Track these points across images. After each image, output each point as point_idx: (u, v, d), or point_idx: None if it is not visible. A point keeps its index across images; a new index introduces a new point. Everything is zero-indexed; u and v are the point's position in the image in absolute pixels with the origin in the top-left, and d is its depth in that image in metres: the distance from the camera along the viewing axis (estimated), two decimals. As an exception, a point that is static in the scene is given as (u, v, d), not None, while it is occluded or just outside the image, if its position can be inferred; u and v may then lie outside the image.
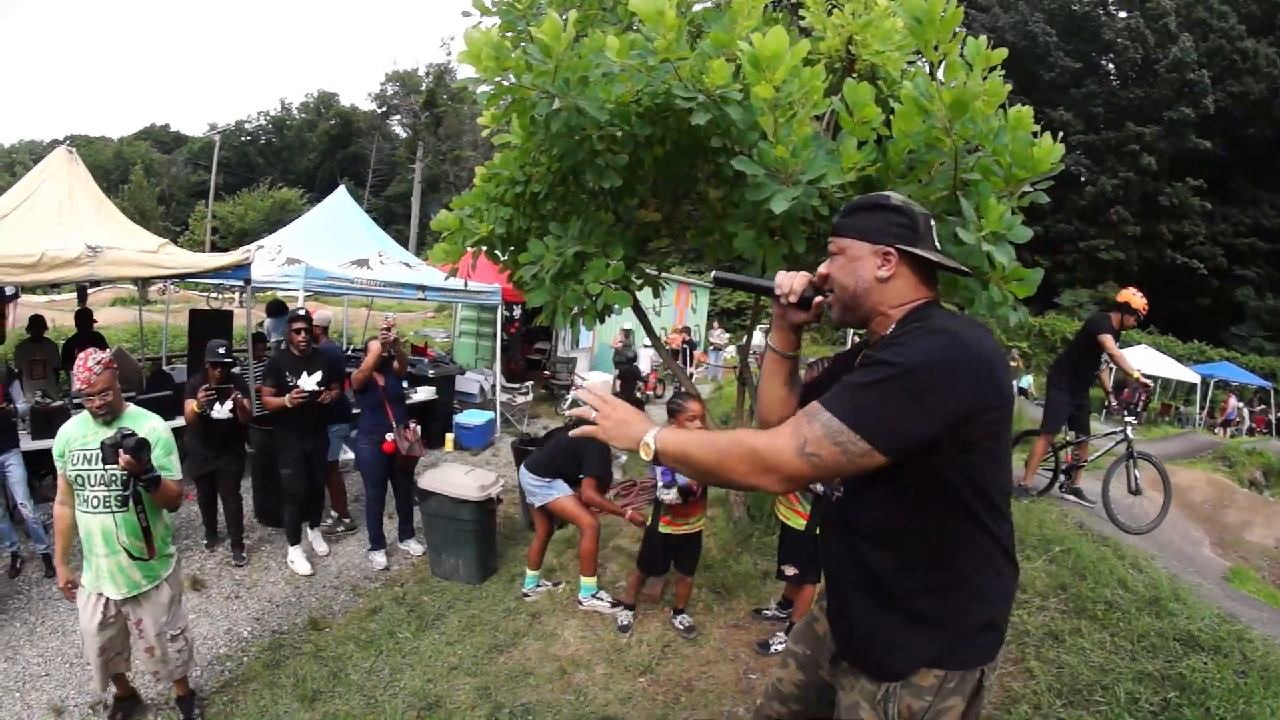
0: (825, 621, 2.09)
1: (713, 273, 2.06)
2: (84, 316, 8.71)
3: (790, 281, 1.93)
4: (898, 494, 1.70)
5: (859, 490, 1.81)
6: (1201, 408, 25.87)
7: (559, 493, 4.92)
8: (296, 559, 5.84)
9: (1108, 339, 6.52)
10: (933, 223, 1.85)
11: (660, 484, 4.38)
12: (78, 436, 3.38)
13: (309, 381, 5.71)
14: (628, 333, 14.21)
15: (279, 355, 6.00)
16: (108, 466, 3.25)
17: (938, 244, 1.84)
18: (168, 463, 3.45)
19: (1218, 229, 35.74)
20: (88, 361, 3.27)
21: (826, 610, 2.07)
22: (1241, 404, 25.36)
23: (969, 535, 1.71)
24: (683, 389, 5.13)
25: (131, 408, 3.54)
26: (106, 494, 3.33)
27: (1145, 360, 24.01)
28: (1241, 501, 11.79)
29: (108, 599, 3.44)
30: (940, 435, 1.56)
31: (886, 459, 1.54)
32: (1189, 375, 25.22)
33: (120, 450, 3.11)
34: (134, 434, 3.17)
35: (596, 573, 5.06)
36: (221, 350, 5.63)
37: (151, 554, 3.43)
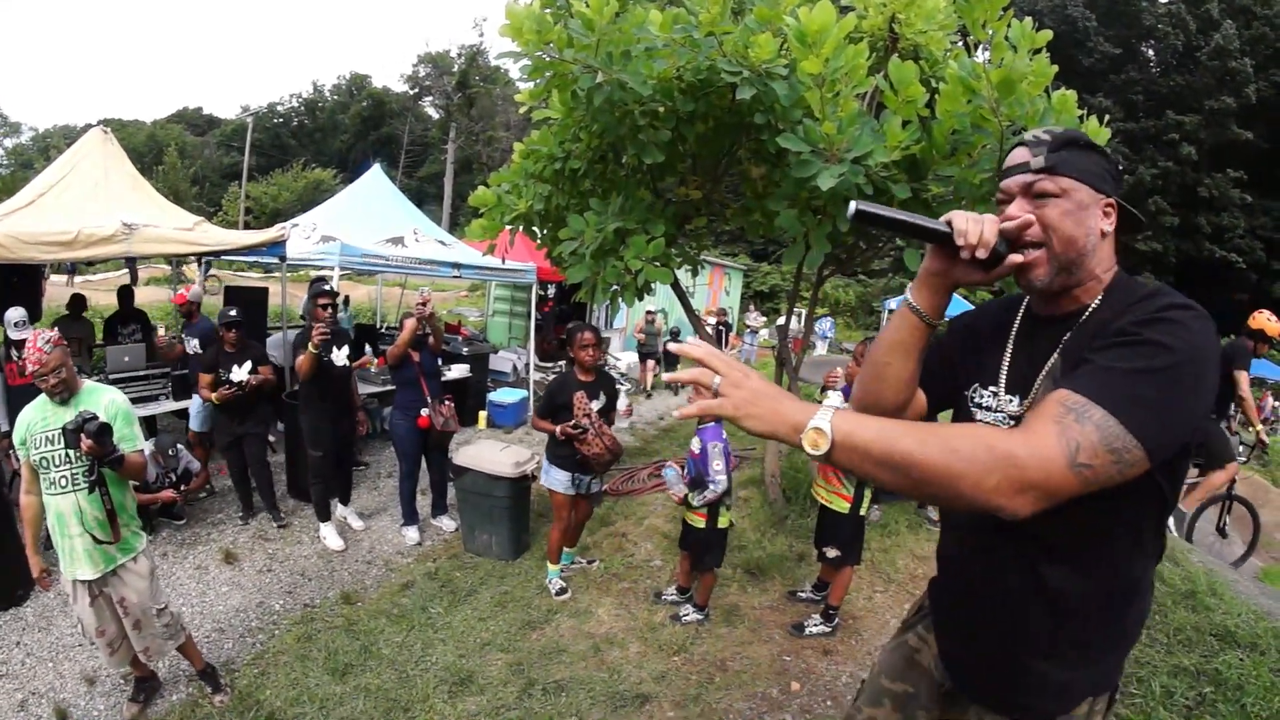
0: (930, 652, 1.89)
1: (852, 205, 1.40)
2: (125, 293, 8.82)
3: (978, 228, 1.40)
4: (1108, 508, 1.35)
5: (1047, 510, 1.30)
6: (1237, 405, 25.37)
7: (546, 479, 4.92)
8: (328, 534, 5.90)
9: (1243, 377, 5.83)
10: None
11: (677, 476, 4.37)
12: (38, 420, 3.31)
13: (240, 372, 5.82)
14: (652, 314, 14.10)
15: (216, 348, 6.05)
16: (70, 449, 3.20)
17: None
18: (130, 433, 3.38)
19: (1257, 222, 35.07)
20: (37, 341, 3.19)
21: (945, 641, 1.82)
22: (1278, 402, 24.85)
23: (1149, 551, 1.52)
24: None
25: (87, 383, 3.46)
26: (72, 471, 3.26)
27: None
28: (1276, 501, 11.56)
29: (89, 582, 3.38)
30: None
31: (1150, 468, 1.23)
32: (1225, 370, 24.74)
33: (83, 434, 3.07)
34: (95, 417, 3.12)
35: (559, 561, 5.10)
36: (234, 313, 5.86)
37: (116, 537, 3.35)
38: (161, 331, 6.27)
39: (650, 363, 14.06)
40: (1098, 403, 1.20)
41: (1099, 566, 1.48)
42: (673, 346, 1.35)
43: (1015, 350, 1.62)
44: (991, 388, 1.64)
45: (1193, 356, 1.23)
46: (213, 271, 18.19)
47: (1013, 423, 1.56)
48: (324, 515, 5.96)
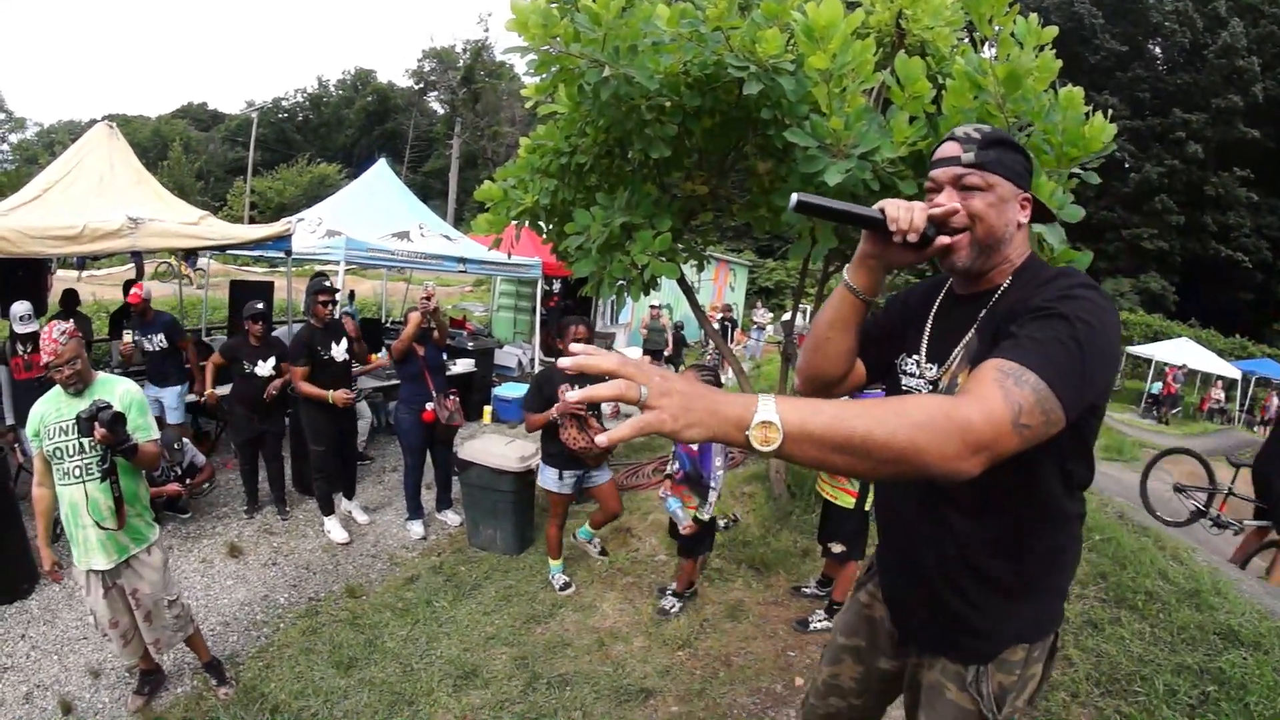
0: (881, 607, 2.01)
1: (794, 197, 1.48)
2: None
3: (908, 214, 1.53)
4: (1031, 463, 1.46)
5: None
6: (1242, 405, 25.36)
7: (542, 479, 4.92)
8: (333, 528, 5.92)
9: None
10: None
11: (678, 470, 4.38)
12: (51, 411, 3.32)
13: (265, 367, 5.87)
14: (657, 310, 14.05)
15: (239, 341, 6.09)
16: (84, 439, 3.20)
17: None
18: (144, 423, 3.39)
19: (1264, 221, 35.01)
20: (52, 333, 3.20)
21: (888, 595, 1.97)
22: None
23: (1065, 504, 1.64)
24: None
25: (100, 375, 3.47)
26: (85, 461, 3.27)
27: (1185, 354, 23.61)
28: (1281, 500, 11.55)
29: (102, 573, 3.39)
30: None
31: (1065, 427, 1.32)
32: (1230, 370, 24.74)
33: (96, 423, 3.08)
34: (109, 406, 3.13)
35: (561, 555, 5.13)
36: (260, 305, 5.91)
37: (120, 524, 3.34)
38: (127, 337, 6.24)
39: (648, 358, 13.83)
40: (1029, 368, 1.29)
41: (1014, 517, 1.63)
42: (563, 362, 1.15)
43: (935, 323, 1.80)
44: (915, 356, 1.82)
45: (1102, 329, 1.38)
46: (198, 265, 18.21)
47: (930, 388, 1.75)
48: (327, 509, 5.98)
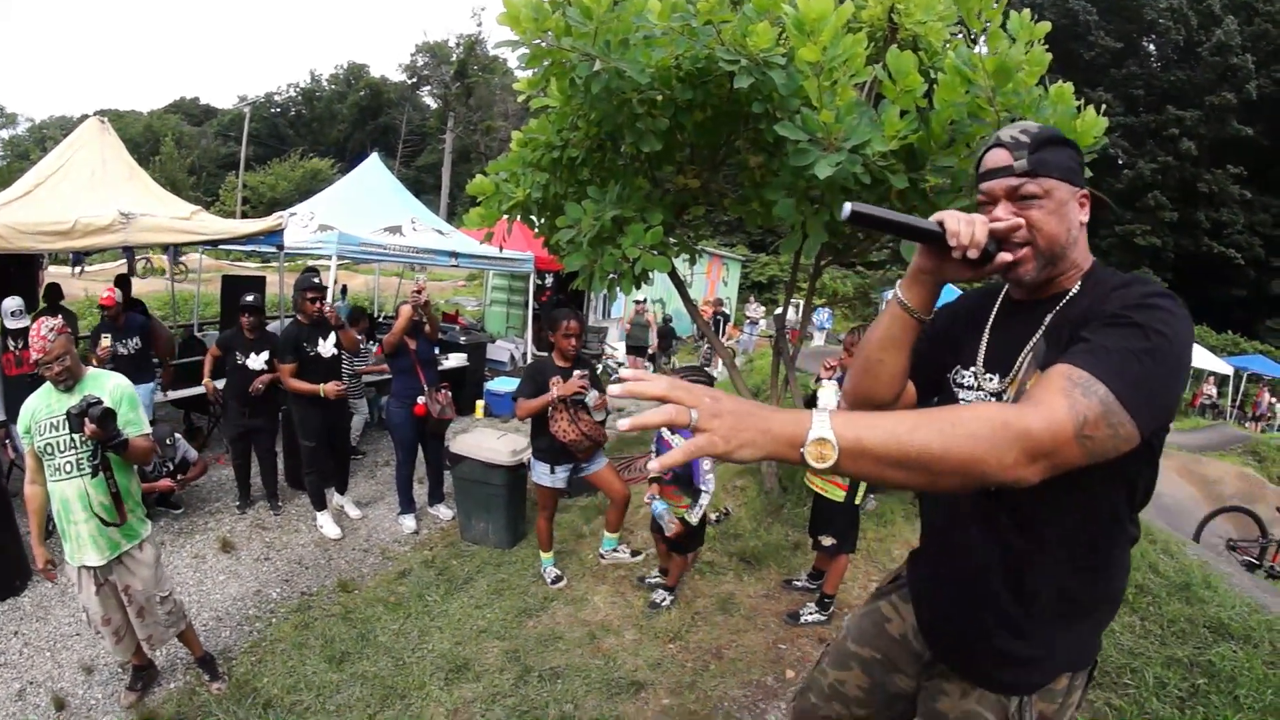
0: (903, 623, 1.94)
1: (847, 206, 1.40)
2: (122, 282, 8.81)
3: (970, 229, 1.43)
4: (1088, 484, 1.40)
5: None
6: (1234, 401, 25.48)
7: (534, 474, 4.92)
8: (325, 523, 5.92)
9: None
10: None
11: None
12: (42, 408, 3.31)
13: (256, 361, 5.86)
14: (641, 305, 13.72)
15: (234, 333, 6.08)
16: (75, 434, 3.20)
17: None
18: (135, 417, 3.39)
19: (1257, 218, 35.10)
20: (41, 329, 3.20)
21: (928, 615, 1.85)
22: (1275, 399, 24.94)
23: (1125, 526, 1.56)
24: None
25: (90, 370, 3.46)
26: (77, 457, 3.26)
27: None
28: (1271, 497, 11.67)
29: (94, 569, 3.38)
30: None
31: (1139, 443, 1.27)
32: (1222, 366, 24.85)
33: (87, 419, 3.07)
34: (99, 401, 3.13)
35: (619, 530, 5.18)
36: (251, 298, 5.90)
37: (122, 519, 3.35)
38: (105, 342, 6.20)
39: (632, 357, 13.66)
40: (1099, 378, 1.24)
41: (1071, 542, 1.53)
42: (615, 389, 1.20)
43: (993, 332, 1.68)
44: (971, 368, 1.69)
45: (1177, 341, 1.30)
46: (181, 259, 18.22)
47: (993, 399, 1.62)
48: (320, 504, 5.97)
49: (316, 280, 5.81)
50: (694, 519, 4.27)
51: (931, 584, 1.84)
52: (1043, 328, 1.56)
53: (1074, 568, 1.55)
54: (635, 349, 13.64)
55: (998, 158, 1.52)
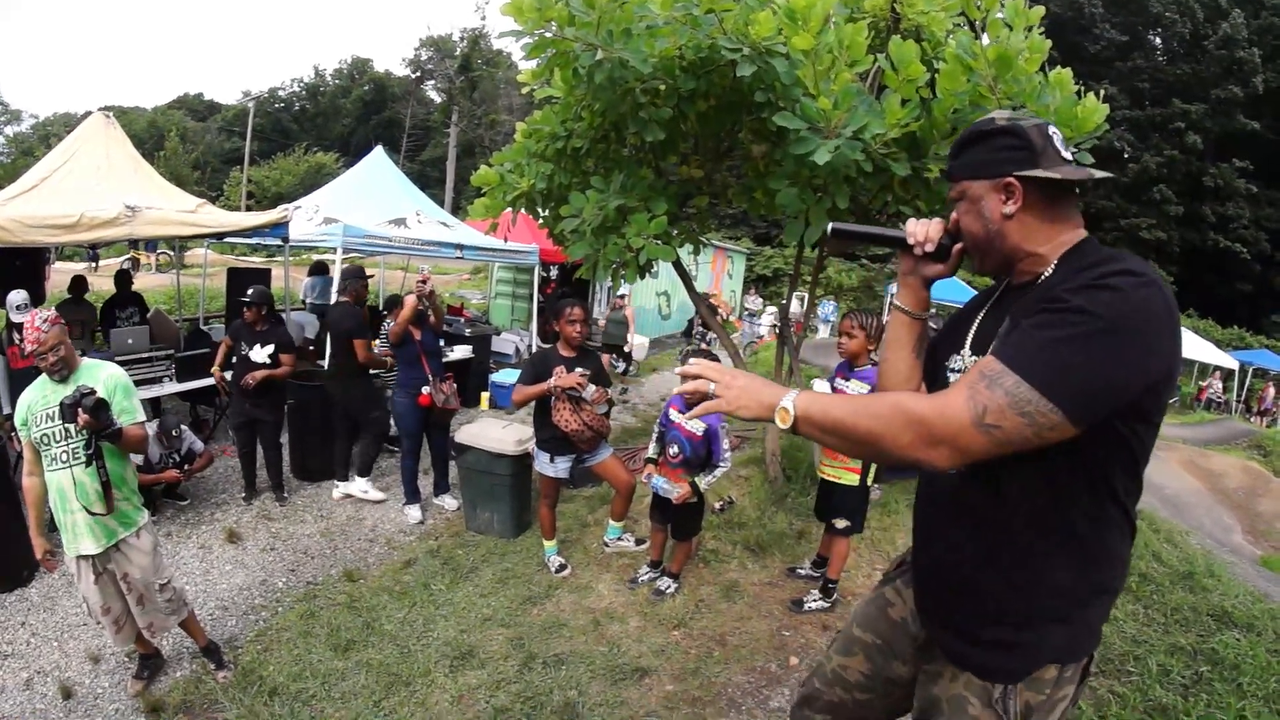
0: (904, 607, 1.96)
1: (829, 225, 1.78)
2: (123, 277, 8.85)
3: (924, 229, 1.71)
4: (1048, 470, 1.47)
5: (998, 464, 1.45)
6: (1239, 395, 25.41)
7: (536, 464, 4.95)
8: (369, 488, 6.27)
9: None
10: (1051, 130, 1.55)
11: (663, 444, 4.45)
12: (38, 399, 3.32)
13: (260, 353, 5.91)
14: (621, 300, 13.04)
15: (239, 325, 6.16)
16: (68, 424, 3.20)
17: (1064, 152, 1.53)
18: (129, 406, 3.40)
19: (1263, 213, 34.91)
20: (35, 320, 3.21)
21: (923, 604, 1.87)
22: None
23: (1110, 516, 1.53)
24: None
25: (85, 360, 3.47)
26: (71, 446, 3.28)
27: (1183, 344, 23.60)
28: (1276, 491, 11.67)
29: (92, 558, 3.39)
30: (1130, 402, 1.35)
31: (1076, 431, 1.31)
32: (1227, 361, 24.79)
33: (80, 409, 3.08)
34: (92, 392, 3.14)
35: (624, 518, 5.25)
36: (252, 291, 5.95)
37: (109, 509, 3.34)
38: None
39: (607, 356, 12.16)
40: (1012, 369, 1.32)
41: (1044, 528, 1.54)
42: (677, 370, 1.67)
43: (984, 317, 1.73)
44: (962, 352, 1.74)
45: (1119, 323, 1.29)
46: (161, 249, 18.24)
47: None
48: (367, 470, 6.37)
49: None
50: (704, 485, 4.34)
51: (919, 567, 1.88)
52: (1009, 311, 1.58)
53: (1053, 556, 1.55)
54: (611, 347, 12.66)
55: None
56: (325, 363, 7.56)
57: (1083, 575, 1.56)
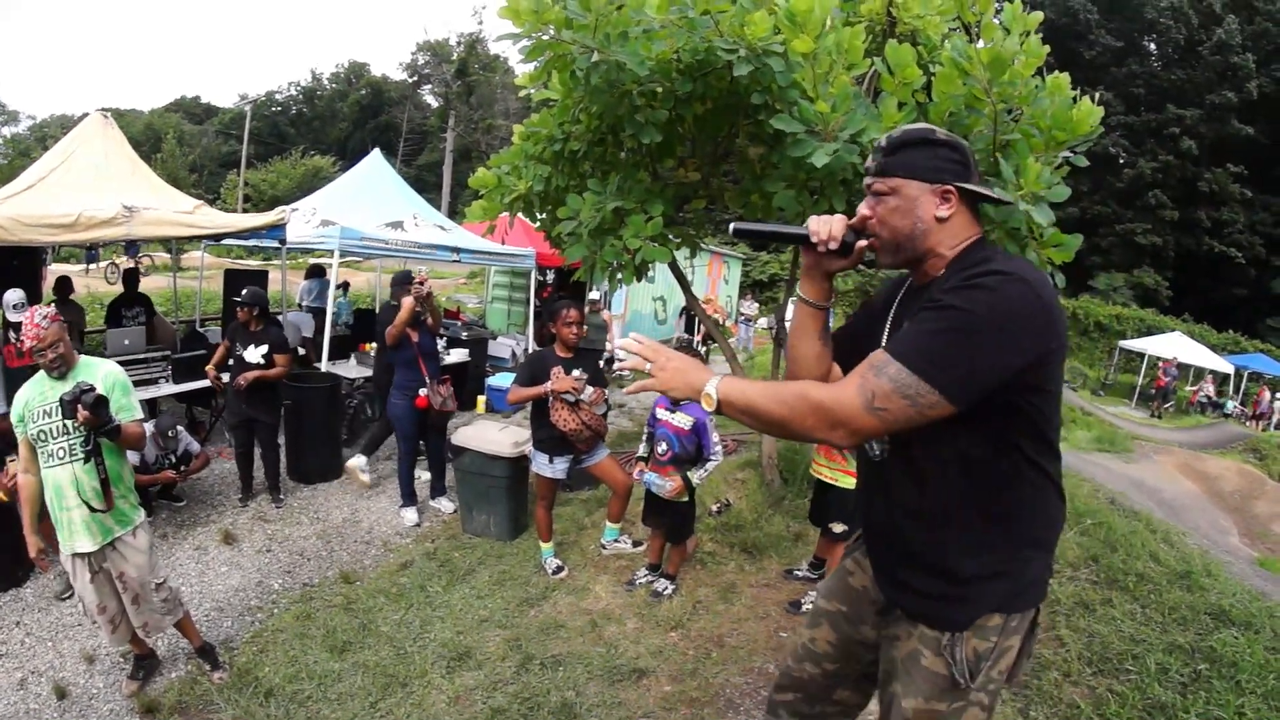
0: (864, 575, 2.06)
1: (731, 225, 1.88)
2: (131, 276, 8.85)
3: (827, 226, 1.78)
4: (954, 442, 1.64)
5: (910, 441, 1.70)
6: (1234, 399, 25.48)
7: (534, 465, 4.97)
8: (365, 468, 6.56)
9: None
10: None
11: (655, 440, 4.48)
12: (36, 396, 3.33)
13: (254, 354, 5.92)
14: (596, 303, 12.27)
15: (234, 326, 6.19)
16: (68, 420, 3.21)
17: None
18: (127, 403, 3.40)
19: (1257, 218, 35.07)
20: (35, 317, 3.22)
21: (874, 566, 1.99)
22: (1276, 397, 24.92)
23: (1027, 476, 1.68)
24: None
25: (83, 358, 3.48)
26: (70, 443, 3.28)
27: (1178, 348, 23.70)
28: (1271, 493, 11.73)
29: (88, 556, 3.40)
30: (1010, 381, 1.51)
31: (957, 409, 1.49)
32: (1223, 365, 24.88)
33: (79, 405, 3.09)
34: (92, 389, 3.14)
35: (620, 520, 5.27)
36: (245, 292, 5.98)
37: (109, 506, 3.35)
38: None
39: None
40: (896, 358, 1.51)
41: (970, 492, 1.69)
42: (618, 342, 1.66)
43: (894, 316, 1.89)
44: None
45: (988, 316, 1.48)
46: (143, 253, 18.09)
47: None
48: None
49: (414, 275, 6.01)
50: (696, 480, 4.37)
51: (868, 534, 2.04)
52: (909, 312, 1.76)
53: (975, 516, 1.70)
54: (585, 351, 11.91)
55: (868, 160, 1.80)
56: (323, 364, 7.59)
57: (1008, 533, 1.71)
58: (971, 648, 1.71)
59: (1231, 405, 24.58)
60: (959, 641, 1.71)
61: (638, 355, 1.75)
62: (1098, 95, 3.64)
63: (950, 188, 1.68)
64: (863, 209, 1.77)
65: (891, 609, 1.91)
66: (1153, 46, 38.42)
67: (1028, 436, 1.64)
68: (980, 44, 3.67)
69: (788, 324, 6.51)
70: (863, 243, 1.78)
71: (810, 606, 4.43)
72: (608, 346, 12.39)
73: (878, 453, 1.83)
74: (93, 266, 17.55)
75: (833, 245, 1.78)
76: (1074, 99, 3.61)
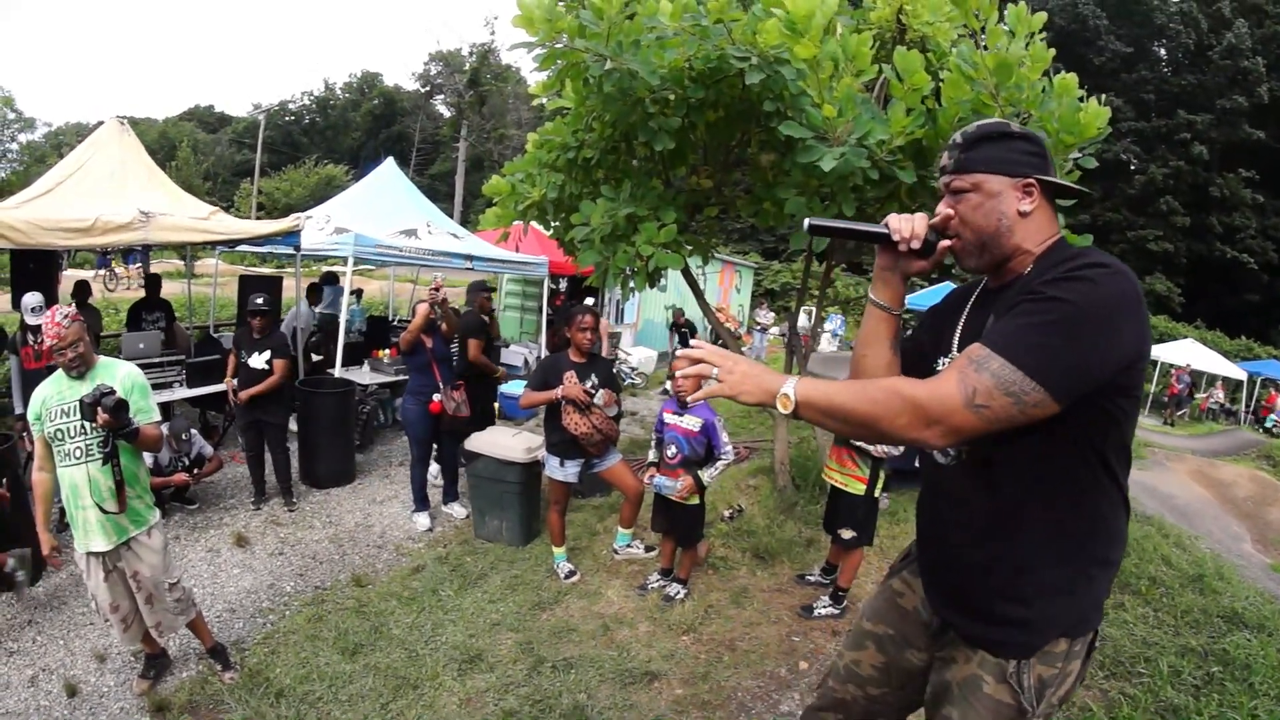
0: (914, 596, 1.99)
1: (806, 222, 1.74)
2: (153, 281, 8.93)
3: (909, 224, 1.70)
4: (1037, 445, 1.54)
5: (989, 443, 1.56)
6: (1248, 406, 25.31)
7: (546, 468, 5.00)
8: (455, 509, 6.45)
9: None
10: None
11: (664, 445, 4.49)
12: (54, 394, 3.35)
13: (258, 360, 5.99)
14: (594, 313, 12.85)
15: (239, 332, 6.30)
16: (87, 422, 3.23)
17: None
18: (146, 405, 3.42)
19: (1269, 223, 34.91)
20: (55, 316, 3.24)
21: (927, 586, 1.91)
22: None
23: (1104, 487, 1.60)
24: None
25: (102, 359, 3.49)
26: (87, 442, 3.30)
27: (1190, 355, 23.57)
28: (1284, 499, 11.60)
29: (103, 555, 3.41)
30: (1110, 380, 1.44)
31: (1060, 408, 1.41)
32: (1236, 372, 24.70)
33: (100, 408, 3.11)
34: (112, 391, 3.16)
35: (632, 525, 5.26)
36: (260, 300, 6.02)
37: (121, 508, 3.36)
38: None
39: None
40: (998, 353, 1.42)
41: (1051, 506, 1.60)
42: (680, 352, 1.74)
43: (968, 319, 1.81)
44: (951, 354, 1.81)
45: (1090, 308, 1.40)
46: (137, 264, 18.02)
47: None
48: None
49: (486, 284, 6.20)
50: (708, 479, 4.37)
51: (927, 554, 1.94)
52: (993, 309, 1.68)
53: (1051, 531, 1.62)
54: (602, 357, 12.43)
55: (942, 158, 1.72)
56: (337, 370, 7.63)
57: (1082, 548, 1.63)
58: (1038, 674, 1.65)
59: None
60: (1026, 669, 1.65)
61: (702, 362, 1.63)
62: (1104, 99, 3.65)
63: (1032, 180, 1.62)
64: (943, 208, 1.71)
65: (946, 630, 1.85)
66: (1162, 51, 38.32)
67: (1112, 443, 1.57)
68: (986, 49, 3.70)
69: (800, 331, 6.57)
70: (945, 243, 1.72)
71: (823, 611, 4.46)
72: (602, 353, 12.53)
73: (951, 456, 1.74)
74: (101, 272, 17.58)
75: (915, 244, 1.71)
76: (1081, 99, 3.63)
